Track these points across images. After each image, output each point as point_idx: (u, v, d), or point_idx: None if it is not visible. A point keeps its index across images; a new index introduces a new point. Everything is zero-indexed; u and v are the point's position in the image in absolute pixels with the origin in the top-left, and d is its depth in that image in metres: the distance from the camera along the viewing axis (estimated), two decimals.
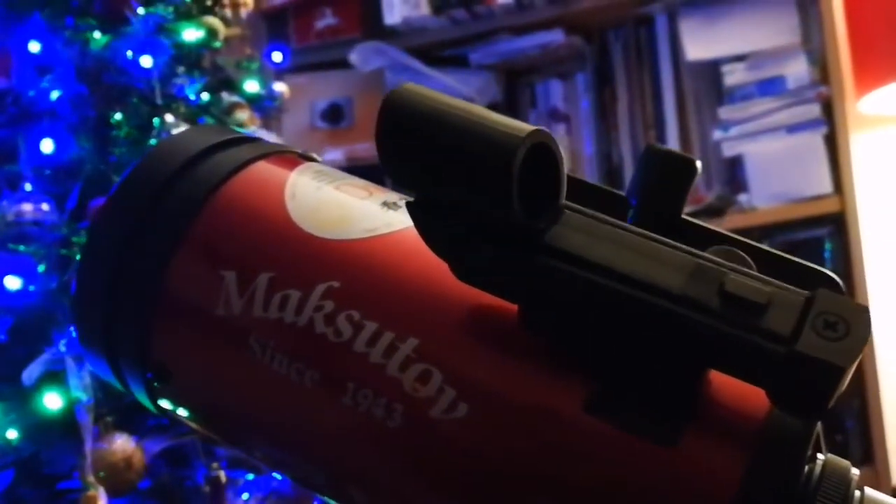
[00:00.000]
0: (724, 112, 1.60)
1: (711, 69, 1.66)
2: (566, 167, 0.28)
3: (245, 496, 0.85)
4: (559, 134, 1.78)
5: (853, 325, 0.24)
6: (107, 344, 0.34)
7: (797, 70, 1.56)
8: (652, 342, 0.26)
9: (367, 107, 1.88)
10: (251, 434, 0.35)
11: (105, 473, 0.71)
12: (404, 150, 0.27)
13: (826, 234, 1.49)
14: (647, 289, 0.26)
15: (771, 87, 1.57)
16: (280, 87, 0.99)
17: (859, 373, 1.47)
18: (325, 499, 0.35)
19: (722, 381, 0.28)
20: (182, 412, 0.37)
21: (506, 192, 0.25)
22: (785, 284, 0.26)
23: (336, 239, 0.32)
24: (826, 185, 1.52)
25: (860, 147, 1.55)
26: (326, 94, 1.90)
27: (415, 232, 0.29)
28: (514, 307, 0.29)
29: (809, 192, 1.53)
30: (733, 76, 1.60)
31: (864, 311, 0.25)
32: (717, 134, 1.60)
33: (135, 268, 0.33)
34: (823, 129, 1.54)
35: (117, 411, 0.75)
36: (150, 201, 0.33)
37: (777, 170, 1.55)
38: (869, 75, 1.53)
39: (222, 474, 0.78)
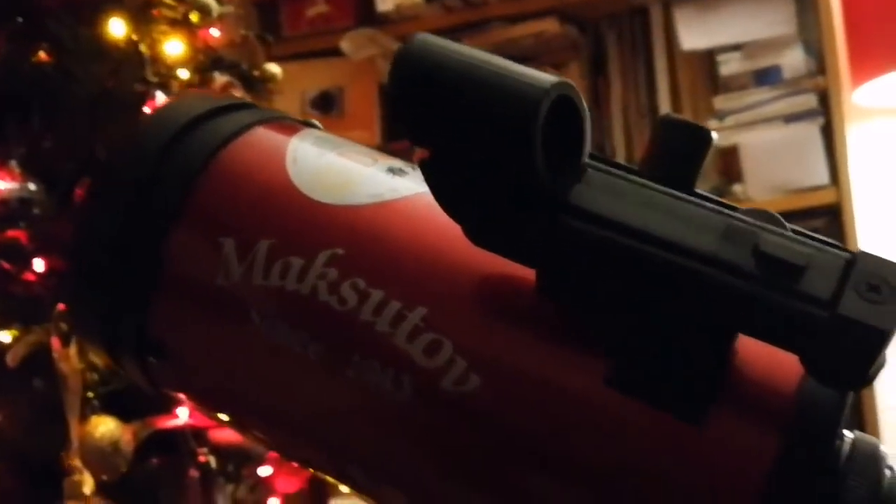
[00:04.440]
0: (720, 102, 1.60)
1: (707, 59, 1.65)
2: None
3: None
4: None
5: None
6: (102, 319, 0.33)
7: (793, 60, 1.55)
8: (681, 307, 0.25)
9: (359, 95, 1.87)
10: (251, 410, 0.34)
11: (91, 458, 0.69)
12: (420, 101, 0.25)
13: (821, 226, 1.49)
14: (678, 250, 0.24)
15: (767, 77, 1.57)
16: (273, 67, 0.97)
17: None
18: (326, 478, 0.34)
19: (750, 351, 0.26)
20: (179, 389, 0.36)
21: (528, 148, 0.24)
22: (823, 245, 0.24)
23: (340, 204, 0.31)
24: (822, 176, 1.52)
25: (856, 138, 1.54)
26: (317, 82, 1.89)
27: (422, 199, 0.28)
28: (530, 275, 0.27)
29: (805, 182, 1.53)
30: (729, 66, 1.59)
31: None
32: (713, 124, 1.59)
33: (131, 238, 0.32)
34: (820, 120, 1.53)
35: (105, 394, 0.73)
36: (146, 168, 0.32)
37: (773, 160, 1.54)
38: (864, 66, 1.52)
39: (212, 460, 0.77)
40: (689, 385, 0.26)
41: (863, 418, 1.46)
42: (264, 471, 0.91)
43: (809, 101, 1.53)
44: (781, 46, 1.56)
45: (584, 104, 0.25)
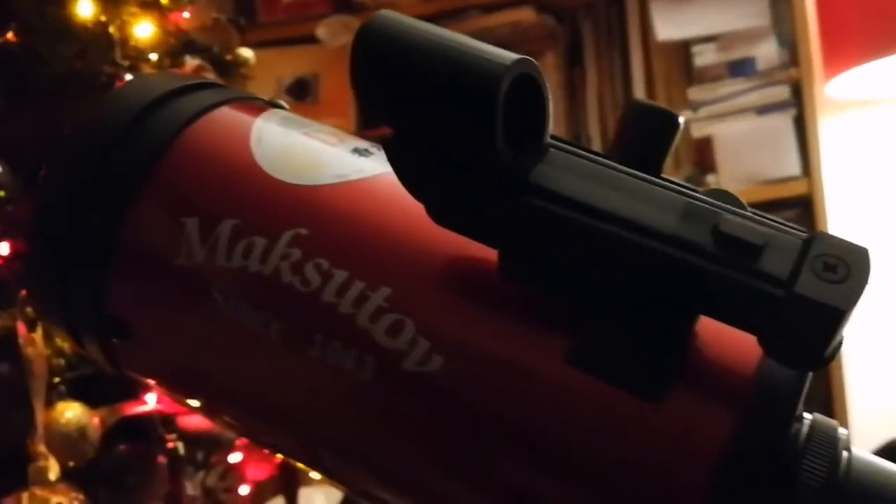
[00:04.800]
0: (694, 93, 1.60)
1: (682, 50, 1.66)
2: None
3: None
4: None
5: (854, 266, 0.23)
6: (61, 300, 0.32)
7: (767, 52, 1.56)
8: (641, 287, 0.25)
9: (334, 83, 1.86)
10: (215, 392, 0.34)
11: (57, 444, 0.68)
12: (381, 78, 0.25)
13: (793, 217, 1.50)
14: (638, 229, 0.24)
15: (741, 68, 1.57)
16: (246, 52, 0.96)
17: None
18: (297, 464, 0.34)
19: (710, 333, 0.27)
20: (141, 371, 0.36)
21: (489, 125, 0.24)
22: (782, 225, 0.25)
23: (304, 184, 0.31)
24: (794, 168, 1.53)
25: (829, 130, 1.56)
26: (293, 69, 1.87)
27: (387, 179, 0.28)
28: (494, 255, 0.27)
29: (778, 174, 1.53)
30: (703, 57, 1.59)
31: (864, 253, 0.24)
32: (687, 115, 1.59)
33: (90, 218, 0.31)
34: (793, 112, 1.54)
35: (72, 380, 0.73)
36: (107, 147, 0.32)
37: (746, 151, 1.55)
38: (837, 58, 1.53)
39: (180, 447, 0.76)
40: (648, 364, 0.26)
41: (832, 408, 1.47)
42: (234, 458, 0.90)
43: (782, 92, 1.54)
44: (755, 38, 1.57)
45: (546, 83, 0.25)
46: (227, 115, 0.34)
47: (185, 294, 0.31)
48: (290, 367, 0.30)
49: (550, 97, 0.26)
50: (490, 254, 0.27)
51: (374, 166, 0.31)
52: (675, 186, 0.26)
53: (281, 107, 0.37)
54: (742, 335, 0.25)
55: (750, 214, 0.25)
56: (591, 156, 0.26)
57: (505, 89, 0.24)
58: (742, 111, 1.55)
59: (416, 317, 0.28)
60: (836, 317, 0.23)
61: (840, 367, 1.47)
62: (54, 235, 0.32)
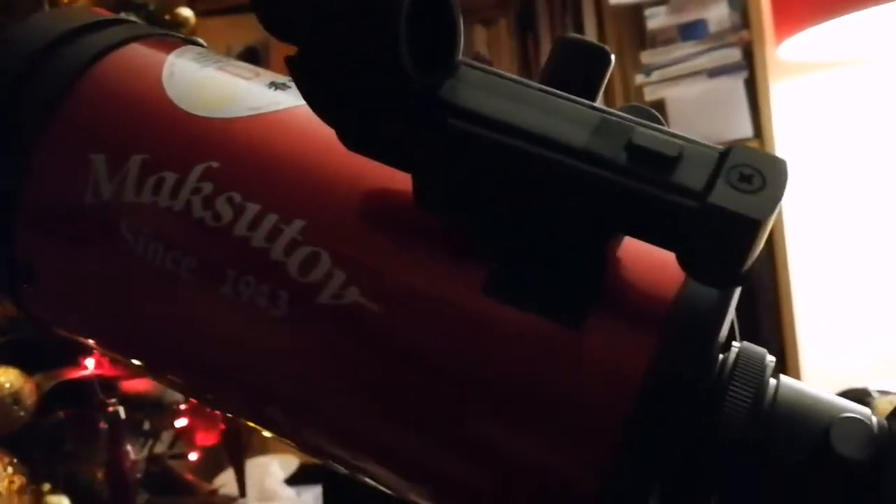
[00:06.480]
0: (647, 56, 1.60)
1: (634, 13, 1.65)
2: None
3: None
4: None
5: (770, 177, 0.23)
6: None
7: (718, 14, 1.56)
8: (553, 205, 0.24)
9: (285, 52, 1.83)
10: (133, 341, 0.33)
11: None
12: None
13: None
14: (548, 144, 0.23)
15: (693, 31, 1.57)
16: (185, 11, 0.93)
17: (777, 315, 1.49)
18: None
19: (631, 259, 0.26)
20: (54, 319, 0.35)
21: (392, 38, 0.23)
22: (698, 140, 0.24)
23: (216, 118, 0.30)
24: (746, 130, 1.53)
25: (780, 92, 1.56)
26: (243, 38, 1.85)
27: (303, 111, 0.27)
28: (410, 186, 0.26)
29: (730, 136, 1.54)
30: (655, 20, 1.59)
31: (781, 164, 0.23)
32: (639, 78, 1.59)
33: None
34: (744, 74, 1.54)
35: (5, 344, 0.71)
36: (11, 82, 0.31)
37: (698, 114, 1.55)
38: (788, 20, 1.54)
39: (121, 410, 0.75)
40: (566, 290, 0.25)
41: (785, 364, 1.49)
42: (181, 423, 0.89)
43: (734, 54, 1.54)
44: (706, 0, 1.57)
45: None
46: (140, 50, 0.33)
47: (94, 232, 0.30)
48: (202, 306, 0.29)
49: (461, 17, 0.25)
50: (407, 183, 0.26)
51: (291, 99, 0.30)
52: (589, 103, 0.25)
53: (198, 44, 0.36)
54: (666, 257, 0.24)
55: (666, 129, 0.24)
56: (505, 73, 0.26)
57: (408, 2, 0.23)
58: (694, 74, 1.55)
59: (331, 248, 0.27)
60: (751, 227, 0.22)
61: (793, 325, 1.49)
62: None
